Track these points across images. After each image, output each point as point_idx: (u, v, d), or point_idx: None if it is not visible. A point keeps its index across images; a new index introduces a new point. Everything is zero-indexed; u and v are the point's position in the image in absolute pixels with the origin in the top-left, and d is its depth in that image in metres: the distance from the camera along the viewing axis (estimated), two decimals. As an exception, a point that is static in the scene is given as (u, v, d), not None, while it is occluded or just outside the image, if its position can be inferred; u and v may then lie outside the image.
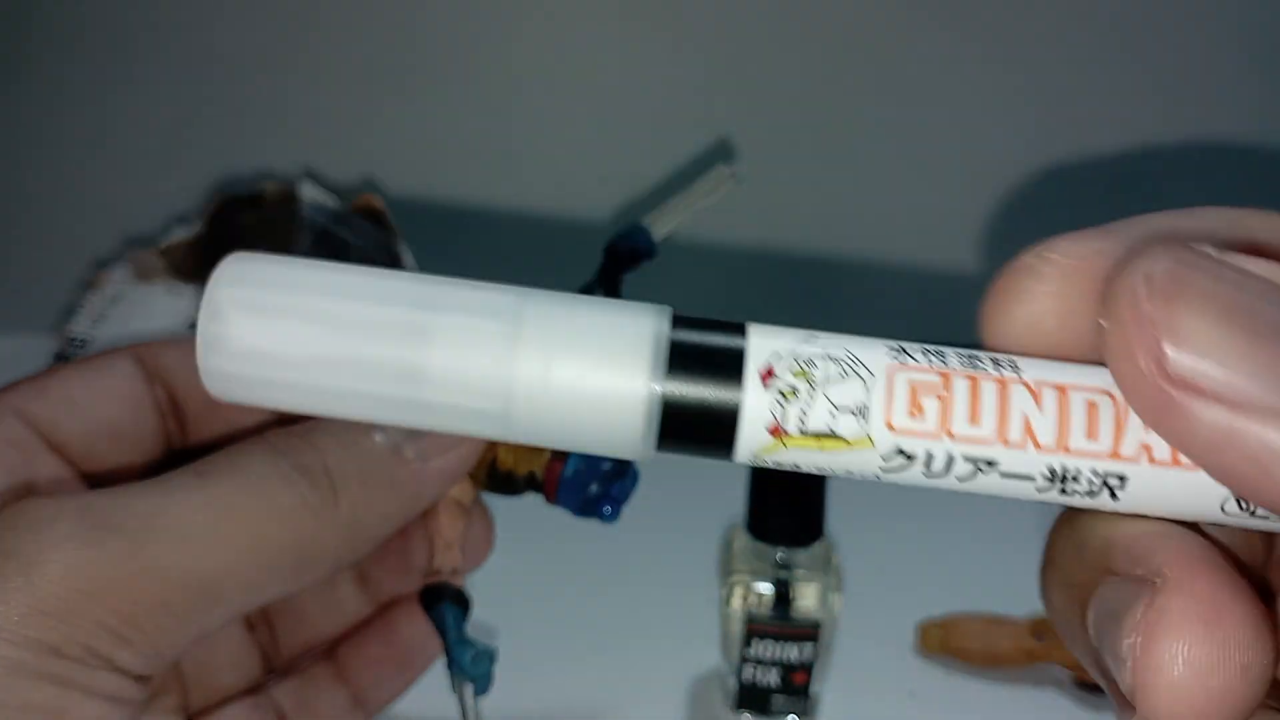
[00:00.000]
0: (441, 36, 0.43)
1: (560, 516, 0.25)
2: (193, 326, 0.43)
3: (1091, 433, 0.14)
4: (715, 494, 0.37)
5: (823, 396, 0.14)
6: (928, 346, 0.15)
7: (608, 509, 0.25)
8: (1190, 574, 0.13)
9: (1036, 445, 0.14)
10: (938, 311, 0.51)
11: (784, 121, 0.45)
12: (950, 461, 0.14)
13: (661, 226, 0.32)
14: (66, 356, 0.39)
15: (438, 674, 0.27)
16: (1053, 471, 0.14)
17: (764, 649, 0.35)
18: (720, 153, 0.45)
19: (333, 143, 0.45)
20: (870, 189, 0.47)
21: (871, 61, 0.44)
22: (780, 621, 0.35)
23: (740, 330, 0.15)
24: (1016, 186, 0.47)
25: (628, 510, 0.25)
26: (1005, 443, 0.14)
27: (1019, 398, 0.14)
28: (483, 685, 0.26)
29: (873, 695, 0.38)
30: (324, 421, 0.23)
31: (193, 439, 0.24)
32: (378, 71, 0.44)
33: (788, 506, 0.34)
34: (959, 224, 0.48)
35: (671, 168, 0.46)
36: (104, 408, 0.23)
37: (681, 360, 0.14)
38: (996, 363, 0.14)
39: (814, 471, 0.15)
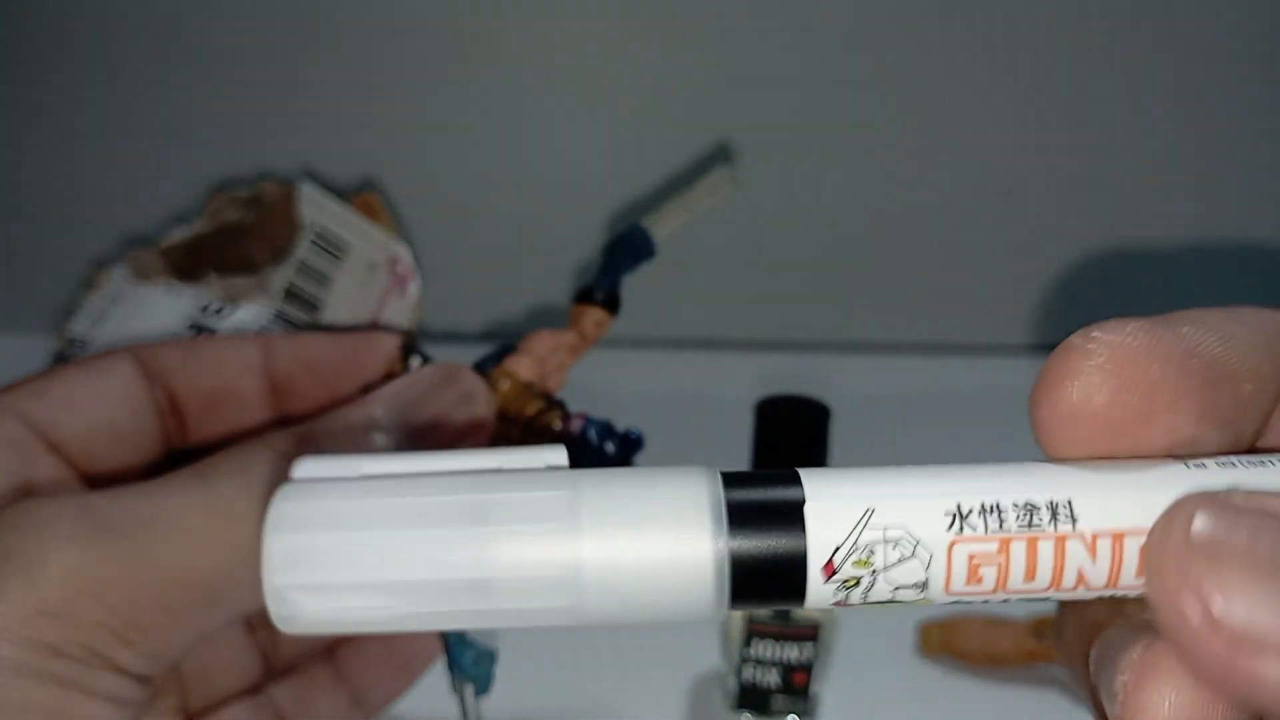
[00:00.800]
0: (442, 36, 0.43)
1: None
2: (192, 326, 0.43)
3: (1142, 572, 0.15)
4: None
5: (884, 580, 0.15)
6: (986, 500, 0.15)
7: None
8: None
9: (1088, 588, 0.15)
10: (939, 312, 0.51)
11: (784, 123, 0.45)
12: (1005, 601, 0.15)
13: (662, 227, 0.32)
14: (66, 356, 0.39)
15: (438, 674, 0.27)
16: (1099, 596, 0.15)
17: (764, 649, 0.35)
18: (720, 154, 0.45)
19: (333, 143, 0.45)
20: (871, 191, 0.47)
21: (874, 63, 0.44)
22: (780, 621, 0.35)
23: (795, 480, 0.15)
24: (1020, 186, 0.47)
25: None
26: (1058, 589, 0.15)
27: (1075, 552, 0.15)
28: (483, 686, 0.26)
29: (873, 695, 0.38)
30: (325, 420, 0.23)
31: (193, 439, 0.24)
32: (378, 71, 0.44)
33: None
34: (960, 225, 0.48)
35: (671, 168, 0.46)
36: (103, 408, 0.23)
37: (743, 521, 0.15)
38: (1054, 514, 0.15)
39: None
